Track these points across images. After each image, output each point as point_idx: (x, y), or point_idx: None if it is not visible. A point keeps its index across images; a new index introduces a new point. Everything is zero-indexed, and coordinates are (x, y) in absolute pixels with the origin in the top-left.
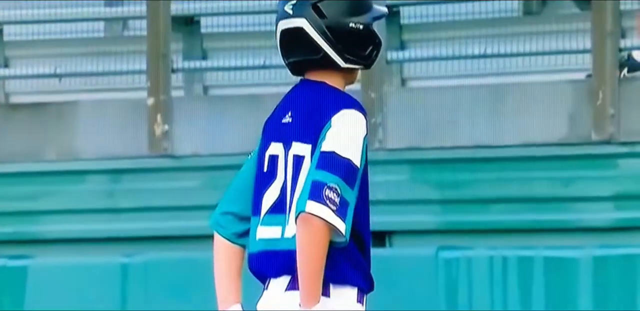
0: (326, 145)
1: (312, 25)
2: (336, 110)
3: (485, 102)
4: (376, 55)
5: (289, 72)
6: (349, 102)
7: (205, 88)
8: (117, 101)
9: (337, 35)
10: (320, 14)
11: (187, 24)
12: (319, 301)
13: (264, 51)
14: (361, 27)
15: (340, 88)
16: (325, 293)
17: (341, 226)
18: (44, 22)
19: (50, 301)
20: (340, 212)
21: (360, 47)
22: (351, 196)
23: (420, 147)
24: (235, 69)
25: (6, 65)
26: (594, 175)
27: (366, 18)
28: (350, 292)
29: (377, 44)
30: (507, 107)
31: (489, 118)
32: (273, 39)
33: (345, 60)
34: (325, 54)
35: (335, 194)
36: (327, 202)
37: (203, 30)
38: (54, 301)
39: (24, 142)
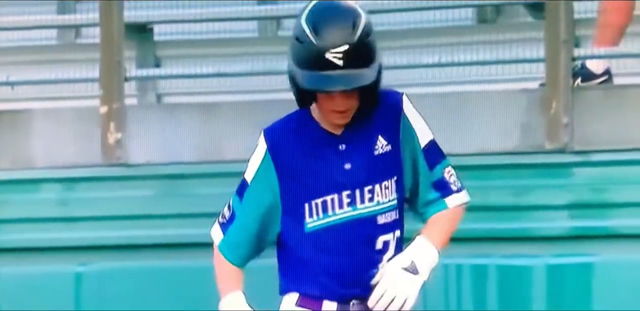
0: None
1: None
2: None
3: (439, 111)
4: (301, 101)
5: (243, 80)
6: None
7: (159, 97)
8: (70, 109)
9: None
10: None
11: (141, 31)
12: None
13: (219, 59)
14: (288, 69)
15: (320, 113)
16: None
17: (216, 239)
18: None
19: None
20: (224, 225)
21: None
22: (238, 208)
23: None
24: (189, 76)
25: None
26: (547, 184)
27: (290, 65)
28: (290, 299)
29: (296, 91)
30: (460, 115)
31: (443, 127)
32: (227, 46)
33: None
34: None
35: (227, 209)
36: (219, 217)
37: (156, 37)
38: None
39: None
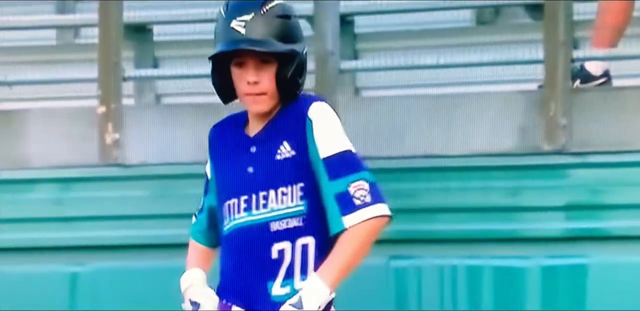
0: None
1: None
2: None
3: (438, 112)
4: (220, 91)
5: None
6: None
7: (157, 97)
8: (68, 109)
9: None
10: None
11: (140, 31)
12: None
13: None
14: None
15: (242, 103)
16: None
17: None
18: None
19: None
20: (198, 212)
21: None
22: (203, 199)
23: (372, 157)
24: (187, 77)
25: None
26: (545, 185)
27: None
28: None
29: (215, 81)
30: (459, 117)
31: (442, 128)
32: None
33: None
34: None
35: (200, 199)
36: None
37: (155, 38)
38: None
39: None
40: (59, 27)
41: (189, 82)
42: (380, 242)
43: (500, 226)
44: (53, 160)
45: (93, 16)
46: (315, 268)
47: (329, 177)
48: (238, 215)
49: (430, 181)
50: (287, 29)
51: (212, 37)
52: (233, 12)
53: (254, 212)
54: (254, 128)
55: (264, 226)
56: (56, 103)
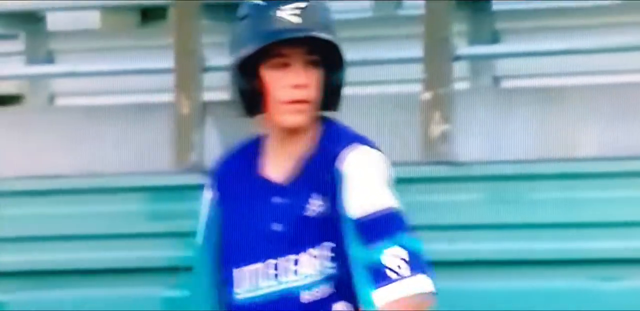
0: None
1: None
2: None
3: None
4: (242, 106)
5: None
6: None
7: (496, 79)
8: (384, 96)
9: None
10: None
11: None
12: None
13: (566, 33)
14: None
15: (273, 113)
16: None
17: None
18: None
19: None
20: None
21: None
22: None
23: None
24: (530, 54)
25: None
26: None
27: (232, 60)
28: None
29: (239, 89)
30: None
31: None
32: (578, 18)
33: None
34: None
35: None
36: None
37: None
38: None
39: None
40: None
41: (530, 61)
42: None
43: None
44: None
45: None
46: None
47: (361, 241)
48: (265, 284)
49: None
50: (334, 30)
51: (560, 5)
52: (277, 1)
53: (282, 279)
54: (276, 166)
55: (294, 296)
56: (368, 89)
